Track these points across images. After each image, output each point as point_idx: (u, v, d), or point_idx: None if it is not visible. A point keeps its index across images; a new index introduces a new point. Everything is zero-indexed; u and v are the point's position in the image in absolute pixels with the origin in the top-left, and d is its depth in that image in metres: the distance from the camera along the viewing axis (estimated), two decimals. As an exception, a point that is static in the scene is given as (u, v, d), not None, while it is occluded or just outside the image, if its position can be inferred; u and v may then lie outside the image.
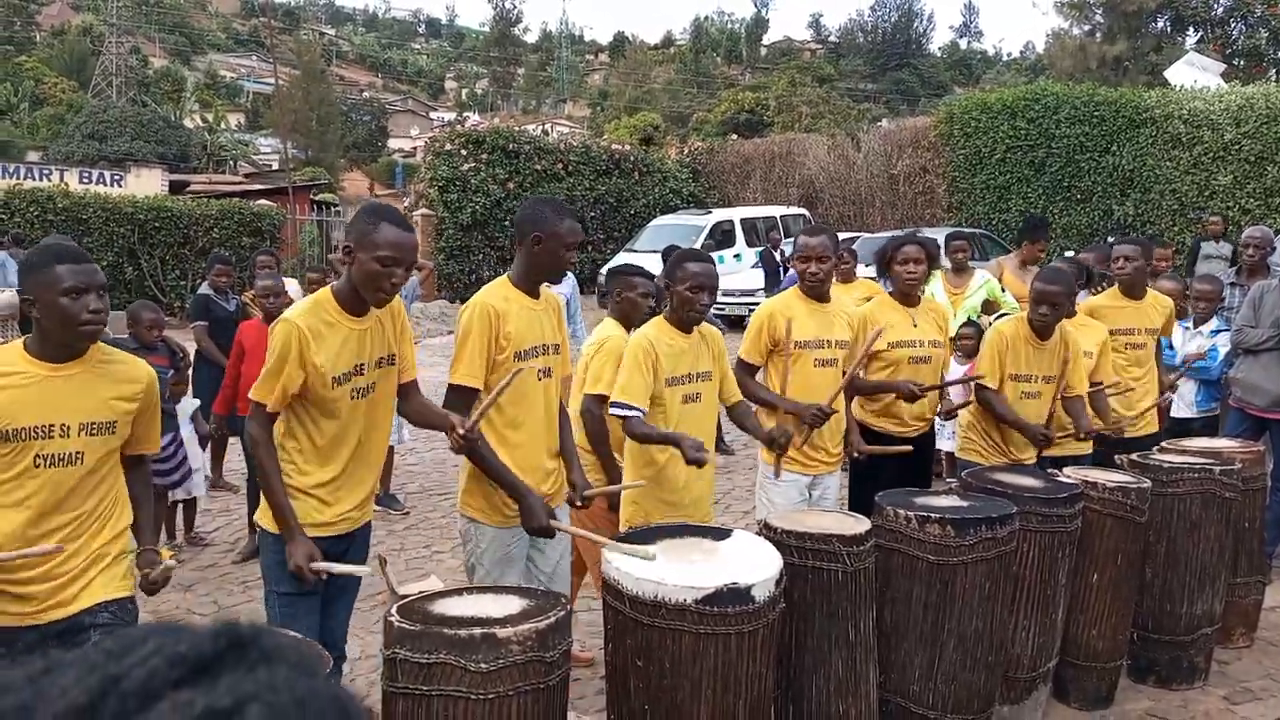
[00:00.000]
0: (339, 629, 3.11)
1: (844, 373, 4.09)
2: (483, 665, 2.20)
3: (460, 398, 3.11)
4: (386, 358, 2.96)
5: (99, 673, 0.56)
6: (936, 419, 4.67)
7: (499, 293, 3.25)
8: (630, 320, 4.18)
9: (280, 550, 2.84)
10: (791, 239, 15.91)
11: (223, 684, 0.55)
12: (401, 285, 2.82)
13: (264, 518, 2.89)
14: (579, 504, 3.39)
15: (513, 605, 2.43)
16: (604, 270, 17.16)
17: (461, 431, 2.85)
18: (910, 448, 4.27)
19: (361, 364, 2.86)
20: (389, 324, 2.98)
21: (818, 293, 4.11)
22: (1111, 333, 4.97)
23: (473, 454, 3.08)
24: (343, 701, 0.59)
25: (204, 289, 6.92)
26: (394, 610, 2.39)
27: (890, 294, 4.56)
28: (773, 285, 13.80)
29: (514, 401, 3.18)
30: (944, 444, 6.01)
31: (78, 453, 2.57)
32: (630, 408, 3.42)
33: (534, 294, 3.28)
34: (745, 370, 4.11)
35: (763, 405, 4.08)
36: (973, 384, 4.53)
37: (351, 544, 3.02)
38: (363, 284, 2.77)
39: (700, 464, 3.38)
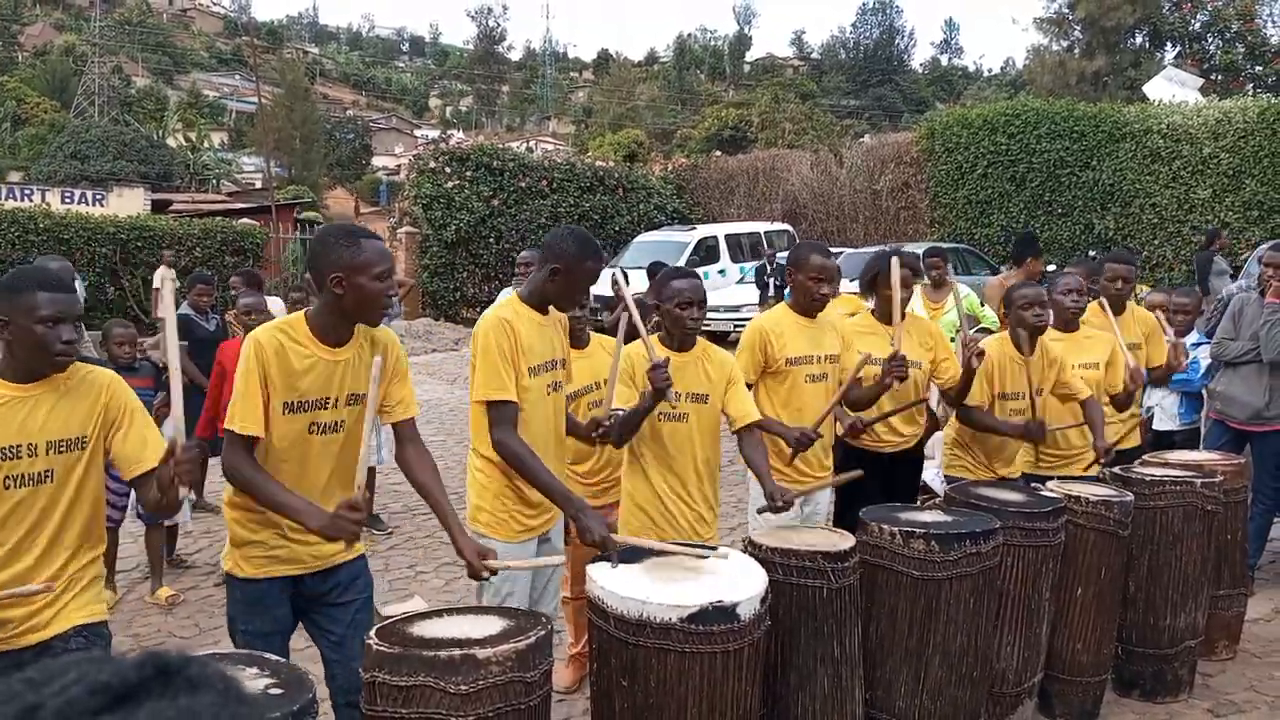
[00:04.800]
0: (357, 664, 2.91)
1: (838, 385, 4.08)
2: (462, 687, 2.18)
3: (497, 412, 3.07)
4: (359, 395, 2.77)
5: (17, 702, 0.56)
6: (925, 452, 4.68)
7: (509, 307, 3.26)
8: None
9: (245, 592, 2.79)
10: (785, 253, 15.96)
11: (144, 711, 0.55)
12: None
13: (229, 561, 2.82)
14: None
15: (493, 626, 2.41)
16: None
17: (479, 568, 2.70)
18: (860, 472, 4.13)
19: (328, 398, 2.73)
20: (369, 359, 2.78)
21: (817, 311, 4.09)
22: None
23: (522, 468, 3.06)
24: None
25: (184, 309, 6.87)
26: (372, 633, 2.37)
27: (872, 311, 4.54)
28: (766, 299, 13.84)
29: (533, 416, 3.19)
30: (930, 476, 5.96)
31: (47, 471, 2.53)
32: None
33: (542, 310, 3.29)
34: None
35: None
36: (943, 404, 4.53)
37: (336, 578, 2.89)
38: (365, 306, 2.68)
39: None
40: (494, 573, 2.72)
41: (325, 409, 2.74)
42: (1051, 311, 4.44)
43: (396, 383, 2.89)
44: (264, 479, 2.67)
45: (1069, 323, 4.63)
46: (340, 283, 2.64)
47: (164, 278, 11.67)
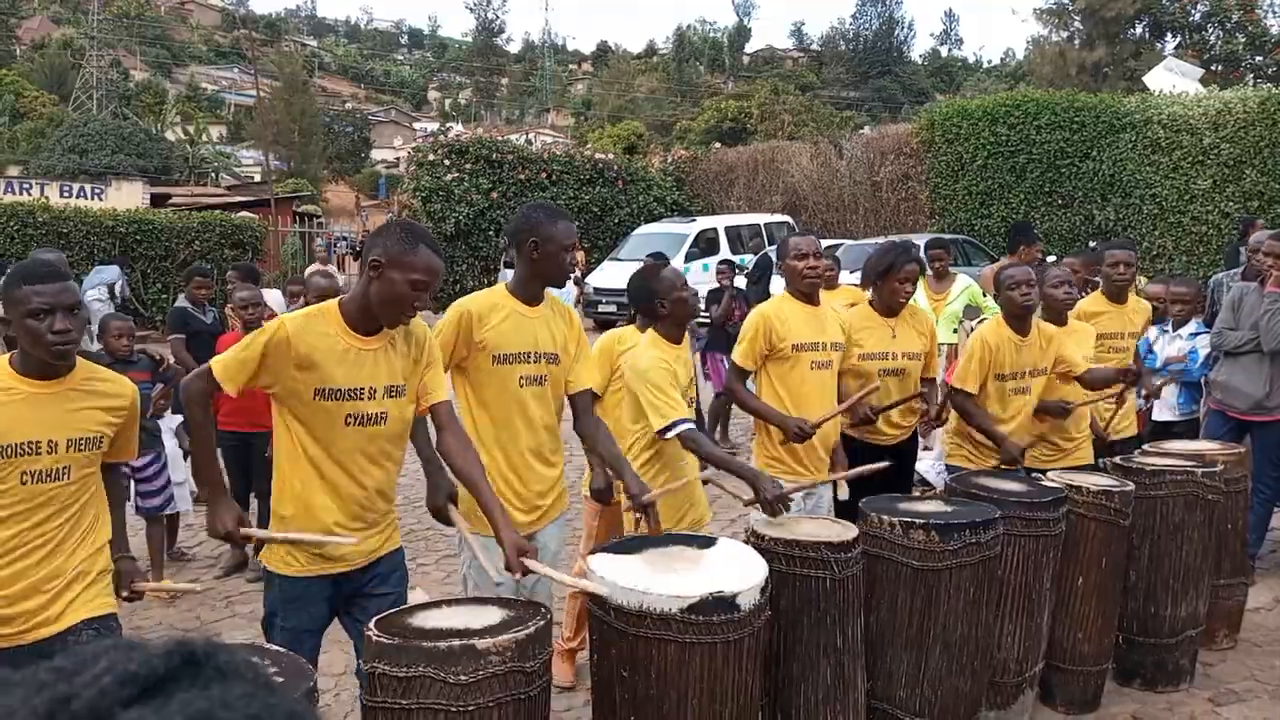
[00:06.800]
0: None
1: (839, 383, 4.13)
2: (462, 677, 2.17)
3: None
4: (397, 388, 2.75)
5: (48, 692, 0.54)
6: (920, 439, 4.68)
7: (485, 298, 3.21)
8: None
9: (283, 587, 2.75)
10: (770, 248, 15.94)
11: (175, 702, 0.54)
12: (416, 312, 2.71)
13: (268, 557, 2.80)
14: (640, 508, 3.21)
15: (492, 616, 2.41)
16: (588, 279, 17.23)
17: (516, 565, 2.60)
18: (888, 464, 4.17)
19: (362, 388, 2.66)
20: (405, 351, 2.77)
21: (812, 292, 4.08)
22: (1096, 336, 4.98)
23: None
24: (300, 717, 0.57)
25: (181, 302, 6.88)
26: (372, 624, 2.36)
27: (871, 303, 4.52)
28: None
29: (496, 404, 3.16)
30: (925, 468, 5.95)
31: (64, 468, 2.55)
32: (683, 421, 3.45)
33: (532, 301, 3.21)
34: (738, 375, 4.07)
35: (750, 413, 4.05)
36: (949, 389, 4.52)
37: (375, 570, 2.87)
38: (387, 303, 2.62)
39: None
40: (527, 572, 2.60)
41: (362, 399, 2.68)
42: (1042, 304, 4.43)
43: (429, 370, 2.85)
44: (206, 426, 2.74)
45: (1059, 314, 4.59)
46: (379, 268, 2.60)
47: (310, 270, 11.98)
